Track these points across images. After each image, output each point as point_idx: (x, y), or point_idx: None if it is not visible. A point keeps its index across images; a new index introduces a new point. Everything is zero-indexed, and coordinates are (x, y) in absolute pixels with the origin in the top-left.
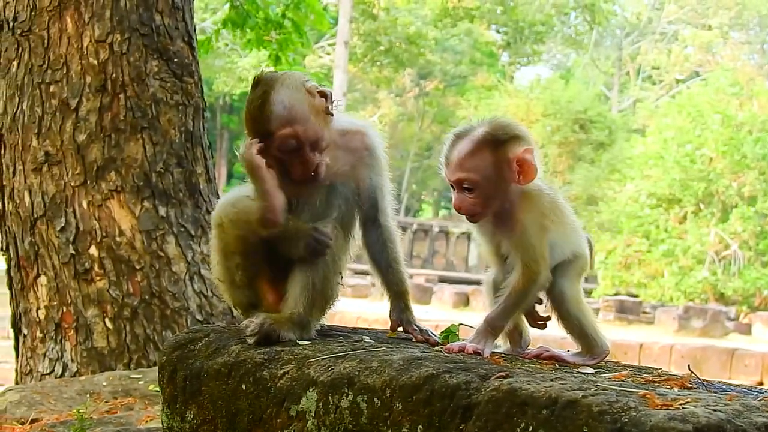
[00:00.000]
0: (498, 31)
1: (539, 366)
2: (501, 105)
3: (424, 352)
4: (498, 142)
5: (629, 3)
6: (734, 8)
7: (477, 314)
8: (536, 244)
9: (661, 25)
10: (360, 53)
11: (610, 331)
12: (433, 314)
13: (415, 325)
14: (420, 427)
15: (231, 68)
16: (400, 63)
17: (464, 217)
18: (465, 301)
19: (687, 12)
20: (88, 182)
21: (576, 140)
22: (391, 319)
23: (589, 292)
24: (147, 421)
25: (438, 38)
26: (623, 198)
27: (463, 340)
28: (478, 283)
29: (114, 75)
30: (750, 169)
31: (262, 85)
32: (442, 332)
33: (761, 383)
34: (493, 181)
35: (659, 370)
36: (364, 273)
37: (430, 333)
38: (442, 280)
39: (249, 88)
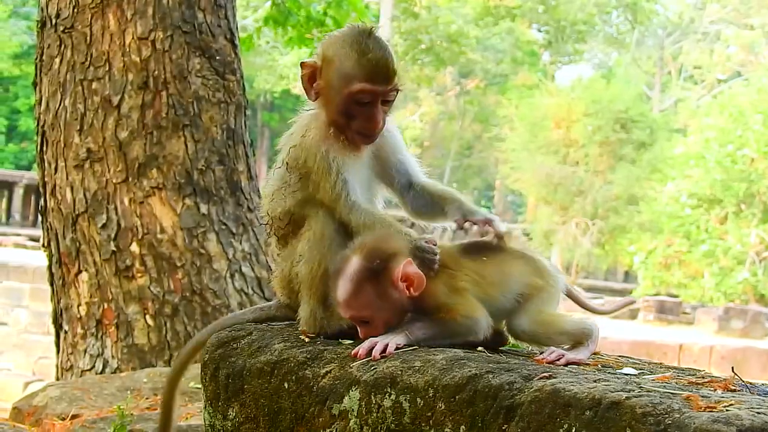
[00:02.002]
0: (539, 30)
1: (582, 367)
2: (542, 104)
3: (467, 352)
4: (376, 273)
5: (671, 2)
6: None
7: None
8: (452, 303)
9: (703, 24)
10: (401, 51)
11: (650, 332)
12: None
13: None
14: (462, 427)
15: (272, 66)
16: (441, 61)
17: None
18: None
19: (729, 12)
20: (130, 179)
21: (617, 140)
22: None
23: (629, 292)
24: (187, 418)
25: (479, 37)
26: (664, 198)
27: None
28: None
29: (156, 72)
30: None
31: (375, 37)
32: None
33: None
34: (386, 307)
35: (702, 372)
36: None
37: (495, 223)
38: None
39: (351, 38)
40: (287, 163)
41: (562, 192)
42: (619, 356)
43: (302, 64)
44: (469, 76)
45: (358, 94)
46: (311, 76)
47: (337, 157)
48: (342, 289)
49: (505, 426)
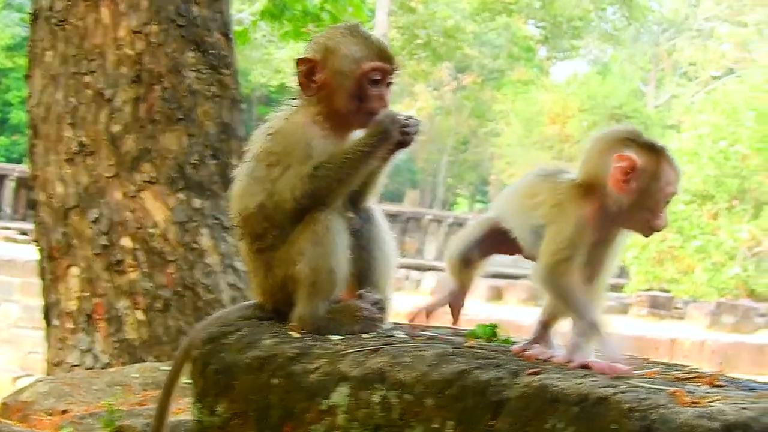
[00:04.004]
0: (536, 26)
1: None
2: (538, 100)
3: (455, 347)
4: None
5: None
6: None
7: (511, 308)
8: None
9: (698, 21)
10: (398, 46)
11: (642, 326)
12: (467, 308)
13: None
14: (451, 422)
15: (268, 60)
16: (437, 56)
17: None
18: (498, 295)
19: (723, 9)
20: (122, 173)
21: None
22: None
23: (621, 287)
24: (177, 414)
25: (476, 32)
26: None
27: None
28: (512, 277)
29: (150, 66)
30: None
31: (355, 25)
32: (478, 326)
33: None
34: None
35: (689, 368)
36: (398, 266)
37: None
38: None
39: (348, 29)
40: (259, 154)
41: None
42: None
43: (299, 61)
44: (466, 71)
45: (372, 71)
46: (309, 71)
47: (320, 147)
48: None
49: (493, 421)
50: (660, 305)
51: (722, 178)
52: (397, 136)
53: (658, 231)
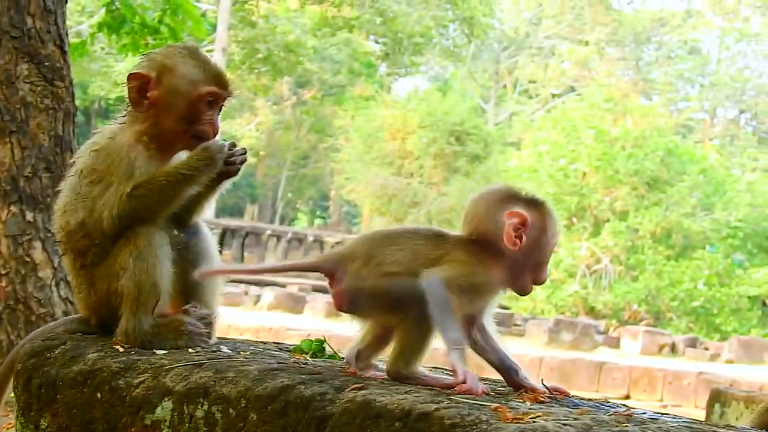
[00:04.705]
0: (377, 42)
1: None
2: (378, 116)
3: (281, 363)
4: None
5: (507, 17)
6: (610, 24)
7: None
8: None
9: (539, 39)
10: (238, 60)
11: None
12: (305, 323)
13: None
14: None
15: (107, 72)
16: (278, 71)
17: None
18: (337, 311)
19: (564, 27)
20: None
21: (452, 152)
22: None
23: None
24: (7, 428)
25: (317, 47)
26: None
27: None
28: None
29: None
30: (622, 184)
31: (194, 47)
32: (303, 341)
33: (628, 396)
34: None
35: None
36: (237, 281)
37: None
38: (316, 289)
39: (187, 50)
40: (82, 171)
41: (397, 203)
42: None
43: (131, 76)
44: (306, 86)
45: (207, 96)
46: (142, 87)
47: (142, 167)
48: None
49: None
50: (499, 322)
51: (561, 196)
52: (221, 165)
53: (539, 284)
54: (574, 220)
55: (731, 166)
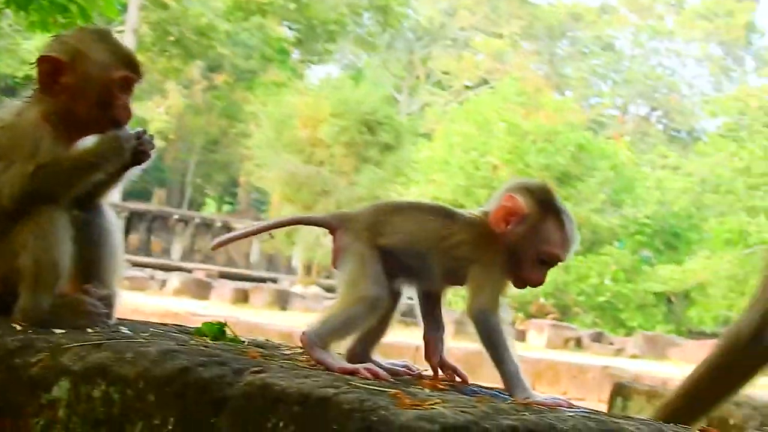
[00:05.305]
0: (290, 28)
1: (296, 362)
2: (290, 103)
3: (181, 344)
4: None
5: (422, 7)
6: (525, 18)
7: (256, 311)
8: None
9: (453, 30)
10: (149, 42)
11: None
12: (211, 310)
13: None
14: (172, 419)
15: (14, 50)
16: (189, 54)
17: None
18: (244, 297)
19: (479, 19)
20: None
21: (363, 141)
22: None
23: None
24: None
25: (229, 31)
26: None
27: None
28: (258, 280)
29: None
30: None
31: (106, 31)
32: (204, 323)
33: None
34: None
35: (417, 371)
36: (143, 265)
37: None
38: (223, 276)
39: (99, 34)
40: None
41: (306, 191)
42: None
43: (41, 59)
44: (218, 70)
45: (120, 80)
46: (53, 71)
47: (48, 148)
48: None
49: (214, 419)
50: (404, 313)
51: (472, 188)
52: (128, 156)
53: (531, 286)
54: None
55: (641, 162)
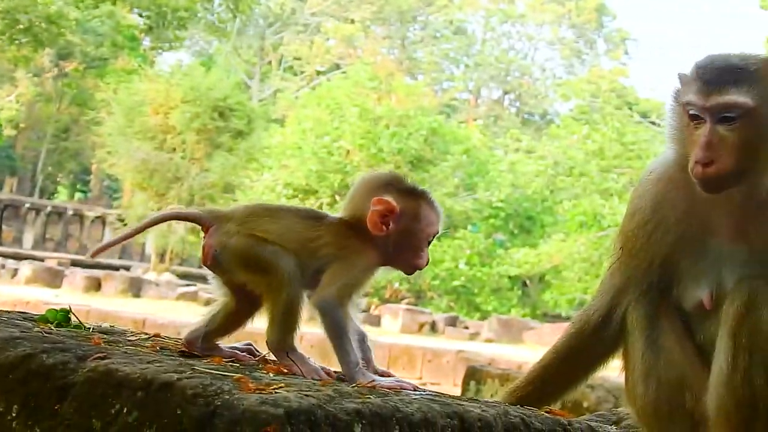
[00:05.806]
0: (140, 15)
1: (140, 348)
2: (141, 90)
3: (24, 331)
4: None
5: None
6: (376, 3)
7: (108, 299)
8: None
9: (304, 16)
10: None
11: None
12: (64, 298)
13: None
14: (16, 406)
15: None
16: (39, 42)
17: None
18: (96, 285)
19: (330, 5)
20: None
21: (215, 128)
22: None
23: None
24: None
25: (79, 19)
26: (260, 187)
27: None
28: (110, 267)
29: None
30: (386, 162)
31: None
32: (48, 310)
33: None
34: None
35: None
36: None
37: None
38: (75, 264)
39: None
40: None
41: (159, 178)
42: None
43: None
44: (68, 58)
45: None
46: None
47: None
48: None
49: (58, 406)
50: None
51: (325, 173)
52: None
53: (419, 269)
54: (338, 197)
55: (494, 146)
